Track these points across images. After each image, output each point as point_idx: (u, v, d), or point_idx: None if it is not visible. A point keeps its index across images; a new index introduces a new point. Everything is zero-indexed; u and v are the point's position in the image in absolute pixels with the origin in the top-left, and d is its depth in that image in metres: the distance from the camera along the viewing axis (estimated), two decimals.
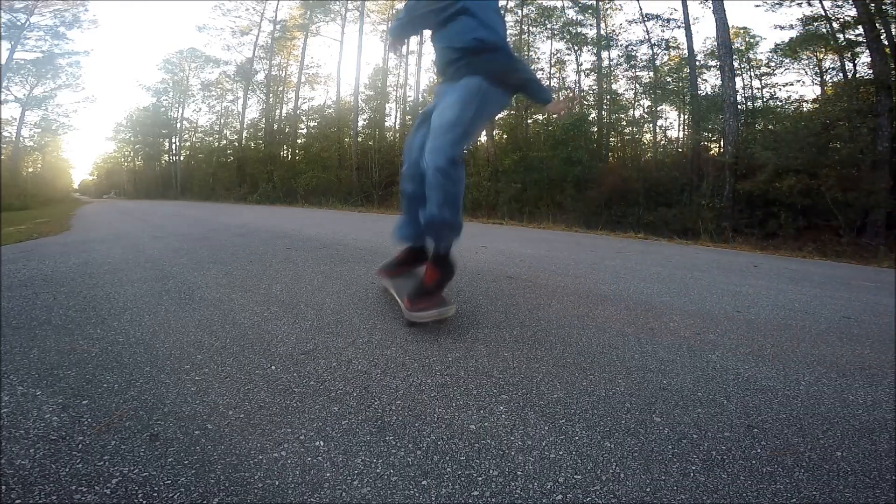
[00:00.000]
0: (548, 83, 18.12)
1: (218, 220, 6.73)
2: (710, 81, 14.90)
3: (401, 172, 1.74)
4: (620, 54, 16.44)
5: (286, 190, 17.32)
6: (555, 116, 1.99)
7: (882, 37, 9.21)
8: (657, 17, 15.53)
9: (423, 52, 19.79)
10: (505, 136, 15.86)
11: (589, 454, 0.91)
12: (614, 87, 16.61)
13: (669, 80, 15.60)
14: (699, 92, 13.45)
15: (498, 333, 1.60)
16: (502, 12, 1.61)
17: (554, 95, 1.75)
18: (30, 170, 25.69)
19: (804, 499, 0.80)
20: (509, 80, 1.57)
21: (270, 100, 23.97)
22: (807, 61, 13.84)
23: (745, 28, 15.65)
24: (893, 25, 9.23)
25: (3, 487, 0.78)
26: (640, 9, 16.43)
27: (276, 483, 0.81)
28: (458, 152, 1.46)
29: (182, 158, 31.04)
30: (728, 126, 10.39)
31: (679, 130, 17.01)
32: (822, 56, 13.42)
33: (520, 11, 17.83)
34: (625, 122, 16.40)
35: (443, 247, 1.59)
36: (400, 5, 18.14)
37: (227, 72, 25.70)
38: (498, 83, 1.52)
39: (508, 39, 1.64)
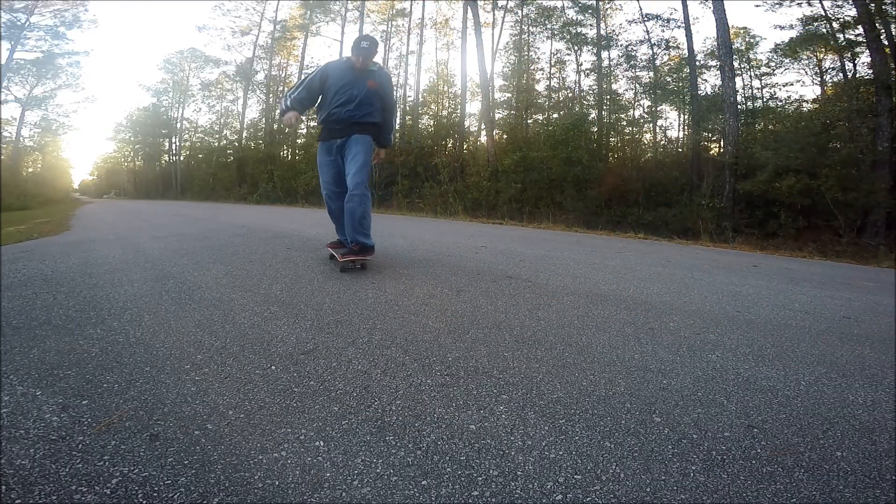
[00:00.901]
0: (548, 83, 18.14)
1: (218, 220, 6.73)
2: (710, 81, 14.91)
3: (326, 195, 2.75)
4: (620, 54, 16.45)
5: (286, 190, 17.31)
6: (374, 161, 2.76)
7: (882, 37, 9.21)
8: (657, 16, 15.53)
9: (423, 52, 19.81)
10: (505, 136, 15.85)
11: (589, 454, 0.91)
12: (614, 87, 16.62)
13: (669, 80, 15.59)
14: (699, 92, 13.44)
15: (498, 333, 1.60)
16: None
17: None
18: (30, 170, 25.68)
19: (804, 499, 0.80)
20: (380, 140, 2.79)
21: (270, 100, 23.97)
22: (807, 61, 13.85)
23: (744, 28, 15.65)
24: (893, 25, 9.23)
25: (4, 487, 0.78)
26: (640, 9, 16.43)
27: (277, 483, 0.81)
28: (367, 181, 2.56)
29: (182, 158, 31.05)
30: (728, 126, 10.38)
31: (679, 130, 17.01)
32: (822, 56, 13.43)
33: (520, 11, 17.83)
34: (625, 122, 16.40)
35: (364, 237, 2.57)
36: (399, 5, 18.02)
37: (227, 72, 25.73)
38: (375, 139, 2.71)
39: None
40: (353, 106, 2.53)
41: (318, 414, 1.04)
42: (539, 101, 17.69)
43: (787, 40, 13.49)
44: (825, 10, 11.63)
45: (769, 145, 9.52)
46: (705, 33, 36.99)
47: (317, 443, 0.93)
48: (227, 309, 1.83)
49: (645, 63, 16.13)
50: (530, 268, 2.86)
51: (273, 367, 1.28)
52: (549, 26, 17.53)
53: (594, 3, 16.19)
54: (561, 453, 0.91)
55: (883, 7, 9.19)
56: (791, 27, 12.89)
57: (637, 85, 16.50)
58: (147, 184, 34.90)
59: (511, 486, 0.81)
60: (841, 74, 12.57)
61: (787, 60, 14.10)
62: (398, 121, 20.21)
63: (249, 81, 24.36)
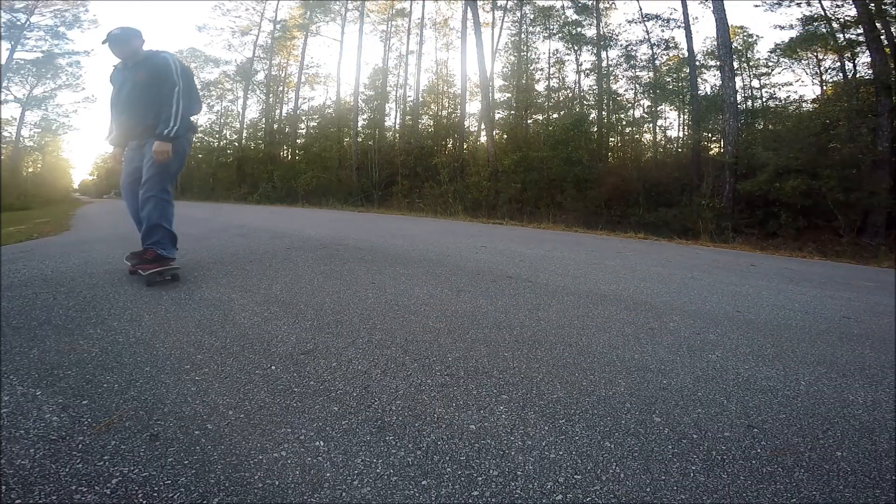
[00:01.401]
0: (548, 83, 18.14)
1: (218, 220, 6.73)
2: (709, 81, 14.92)
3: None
4: (620, 54, 16.46)
5: (286, 190, 17.33)
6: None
7: (882, 37, 9.21)
8: (657, 16, 15.54)
9: (423, 52, 19.82)
10: (505, 136, 15.86)
11: (589, 454, 0.91)
12: (614, 87, 16.63)
13: (669, 80, 15.59)
14: (699, 92, 13.45)
15: (498, 333, 1.60)
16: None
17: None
18: (30, 170, 25.67)
19: (804, 499, 0.80)
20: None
21: (270, 100, 23.98)
22: (806, 61, 13.86)
23: (741, 27, 15.64)
24: (893, 26, 9.23)
25: (4, 487, 0.78)
26: (640, 9, 16.44)
27: (277, 483, 0.80)
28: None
29: None
30: (728, 126, 10.39)
31: (679, 130, 17.02)
32: (821, 56, 13.43)
33: (519, 11, 17.83)
34: (625, 122, 16.41)
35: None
36: (399, 5, 18.02)
37: (227, 72, 25.72)
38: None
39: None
40: (125, 116, 2.31)
41: (318, 414, 1.04)
42: (539, 101, 17.70)
43: (786, 40, 13.50)
44: (825, 10, 11.64)
45: (770, 145, 9.52)
46: (705, 33, 37.03)
47: (317, 443, 0.93)
48: (227, 309, 1.83)
49: (645, 63, 16.14)
50: (530, 268, 2.86)
51: (273, 367, 1.28)
52: (548, 26, 17.54)
53: (593, 3, 16.19)
54: (561, 453, 0.91)
55: (883, 7, 9.19)
56: (791, 27, 12.89)
57: (637, 85, 16.51)
58: None
59: (511, 486, 0.81)
60: (841, 74, 12.58)
61: (787, 61, 14.10)
62: (398, 119, 20.19)
63: (249, 81, 24.36)
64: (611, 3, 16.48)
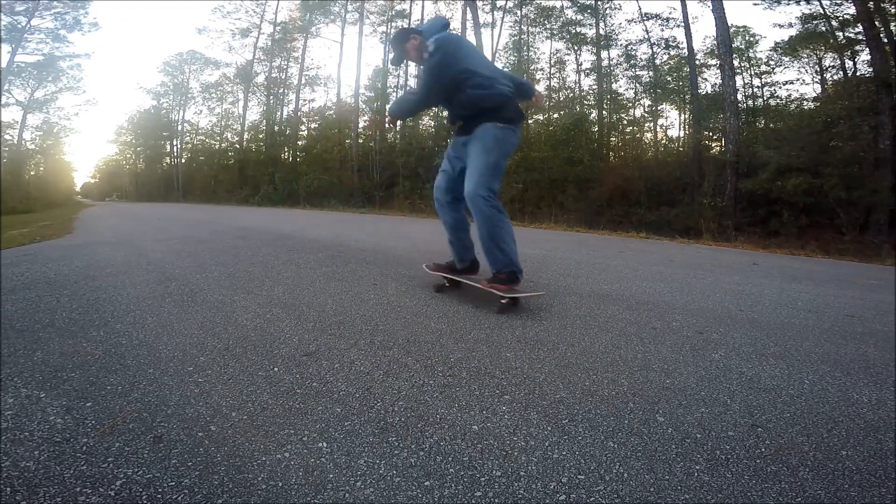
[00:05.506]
0: (548, 83, 18.13)
1: (220, 222, 6.75)
2: (710, 80, 14.90)
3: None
4: (620, 54, 16.45)
5: (287, 192, 17.35)
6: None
7: (881, 35, 9.19)
8: (656, 16, 15.52)
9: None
10: None
11: (592, 454, 0.91)
12: (614, 86, 16.62)
13: (669, 79, 15.57)
14: (699, 91, 13.43)
15: (500, 334, 1.59)
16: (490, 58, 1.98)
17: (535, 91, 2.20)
18: (32, 173, 25.78)
19: (809, 498, 0.79)
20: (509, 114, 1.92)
21: (271, 101, 24.03)
22: (807, 59, 13.82)
23: (744, 26, 15.62)
24: (892, 23, 9.20)
25: (8, 489, 0.78)
26: (640, 8, 16.44)
27: (280, 484, 0.81)
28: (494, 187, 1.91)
29: (183, 161, 31.13)
30: (729, 125, 10.37)
31: (680, 129, 17.00)
32: (822, 54, 13.39)
33: (519, 11, 17.83)
34: (625, 122, 16.38)
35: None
36: (399, 6, 18.00)
37: (228, 74, 25.81)
38: (505, 121, 1.90)
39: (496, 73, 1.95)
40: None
41: (320, 415, 1.04)
42: None
43: (786, 38, 13.47)
44: (824, 9, 11.61)
45: (771, 144, 9.50)
46: (705, 32, 36.97)
47: (320, 444, 0.93)
48: (230, 311, 1.83)
49: (645, 62, 16.13)
50: (532, 268, 2.85)
51: (276, 369, 1.28)
52: (548, 26, 17.54)
53: (593, 2, 16.19)
54: (564, 453, 0.91)
55: (882, 5, 9.17)
56: (790, 25, 12.87)
57: (637, 84, 16.49)
58: (149, 186, 35.01)
59: (514, 487, 0.81)
60: (841, 72, 12.55)
61: (787, 59, 14.07)
62: (397, 121, 20.15)
63: (250, 83, 24.42)
64: (610, 2, 16.48)
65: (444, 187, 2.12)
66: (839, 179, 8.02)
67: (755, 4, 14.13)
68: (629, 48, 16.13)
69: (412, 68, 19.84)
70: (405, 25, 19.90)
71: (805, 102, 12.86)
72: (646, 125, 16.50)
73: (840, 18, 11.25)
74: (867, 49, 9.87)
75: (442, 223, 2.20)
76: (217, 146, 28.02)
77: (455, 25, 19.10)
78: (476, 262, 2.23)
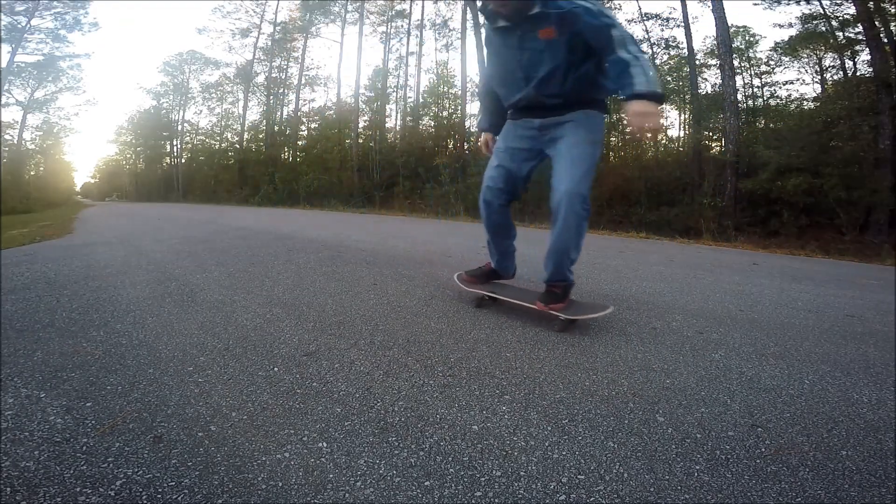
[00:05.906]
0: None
1: (220, 222, 6.75)
2: (710, 80, 14.89)
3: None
4: None
5: (287, 192, 17.36)
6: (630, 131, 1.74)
7: (881, 35, 9.18)
8: (656, 16, 15.51)
9: (423, 53, 19.81)
10: None
11: (592, 454, 0.91)
12: None
13: (669, 79, 15.56)
14: (699, 91, 13.43)
15: (500, 334, 1.59)
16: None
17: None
18: (32, 173, 25.77)
19: (809, 498, 0.79)
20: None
21: (271, 101, 24.03)
22: (807, 59, 13.81)
23: (744, 26, 15.61)
24: (893, 23, 9.20)
25: (8, 489, 0.78)
26: (640, 8, 16.43)
27: (280, 484, 0.81)
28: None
29: (183, 161, 31.13)
30: (729, 125, 10.37)
31: (680, 129, 16.99)
32: (822, 54, 13.39)
33: None
34: (626, 122, 16.36)
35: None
36: (399, 6, 17.97)
37: (228, 74, 25.82)
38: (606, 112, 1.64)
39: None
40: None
41: (320, 415, 1.04)
42: None
43: (786, 38, 13.47)
44: (824, 9, 11.61)
45: (771, 144, 9.50)
46: (705, 31, 36.97)
47: (320, 444, 0.93)
48: (230, 311, 1.83)
49: None
50: (532, 268, 2.85)
51: (276, 369, 1.28)
52: None
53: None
54: (564, 453, 0.91)
55: (882, 5, 9.17)
56: (790, 25, 12.87)
57: None
58: (149, 186, 35.01)
59: (514, 487, 0.81)
60: (841, 72, 12.54)
61: (787, 59, 14.07)
62: (399, 120, 20.22)
63: (250, 83, 24.43)
64: (610, 2, 16.46)
65: (502, 187, 1.73)
66: (839, 179, 8.01)
67: (755, 4, 14.11)
68: None
69: (412, 69, 19.85)
70: (405, 26, 19.94)
71: (805, 102, 12.85)
72: None
73: (840, 18, 11.25)
74: (867, 49, 9.87)
75: (486, 228, 1.87)
76: (217, 146, 28.01)
77: (455, 26, 19.13)
78: (515, 269, 2.04)
